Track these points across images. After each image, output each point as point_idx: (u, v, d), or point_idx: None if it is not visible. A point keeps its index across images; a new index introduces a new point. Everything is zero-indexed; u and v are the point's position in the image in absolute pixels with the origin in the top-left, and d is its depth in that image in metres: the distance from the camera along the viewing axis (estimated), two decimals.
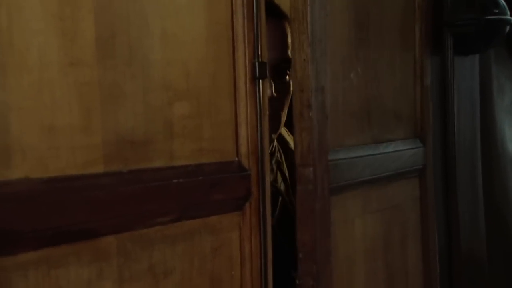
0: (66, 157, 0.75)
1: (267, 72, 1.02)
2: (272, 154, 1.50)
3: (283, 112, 1.42)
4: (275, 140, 1.53)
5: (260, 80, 1.01)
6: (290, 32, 1.14)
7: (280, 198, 1.48)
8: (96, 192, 0.77)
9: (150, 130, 0.86)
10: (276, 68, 1.33)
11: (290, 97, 1.40)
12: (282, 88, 1.36)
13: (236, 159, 1.00)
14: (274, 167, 1.51)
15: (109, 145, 0.80)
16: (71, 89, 0.75)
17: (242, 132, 1.00)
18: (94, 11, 0.78)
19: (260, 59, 1.02)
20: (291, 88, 1.38)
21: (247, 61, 1.00)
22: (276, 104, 1.34)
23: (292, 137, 1.62)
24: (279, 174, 1.53)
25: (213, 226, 0.95)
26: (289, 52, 1.35)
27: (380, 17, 1.42)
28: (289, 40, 1.37)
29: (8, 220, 0.68)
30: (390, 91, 1.49)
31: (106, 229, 0.79)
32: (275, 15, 1.36)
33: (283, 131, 1.63)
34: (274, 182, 1.49)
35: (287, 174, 1.55)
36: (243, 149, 1.00)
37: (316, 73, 1.11)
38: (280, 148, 1.57)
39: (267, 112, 1.03)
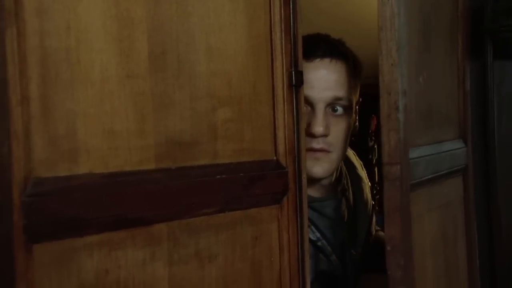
0: (124, 156, 0.89)
1: (303, 80, 1.14)
2: (339, 179, 1.61)
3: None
4: (343, 166, 1.64)
5: (297, 87, 1.13)
6: (378, 39, 1.20)
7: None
8: (149, 186, 0.91)
9: (196, 133, 0.99)
10: (330, 104, 1.46)
11: (350, 128, 1.53)
12: (336, 122, 1.48)
13: (275, 158, 1.12)
14: (340, 194, 1.60)
15: (160, 146, 0.93)
16: (127, 99, 0.89)
17: (280, 134, 1.12)
18: (147, 32, 0.92)
19: (297, 68, 1.13)
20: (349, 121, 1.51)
21: (284, 70, 1.12)
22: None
23: (360, 161, 1.72)
24: (343, 201, 1.62)
25: (253, 217, 1.08)
26: (342, 91, 1.47)
27: (437, 25, 1.49)
28: (346, 80, 1.50)
29: (76, 208, 0.82)
30: (443, 94, 1.56)
31: (158, 217, 0.93)
32: (341, 57, 1.49)
33: (351, 155, 1.72)
34: (338, 208, 1.59)
35: (351, 200, 1.64)
36: (281, 149, 1.12)
37: (401, 77, 1.19)
38: (347, 174, 1.67)
39: (303, 116, 1.14)
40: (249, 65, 1.08)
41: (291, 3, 1.12)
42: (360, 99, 1.60)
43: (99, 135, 0.86)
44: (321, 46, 1.47)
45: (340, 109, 1.47)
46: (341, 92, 1.46)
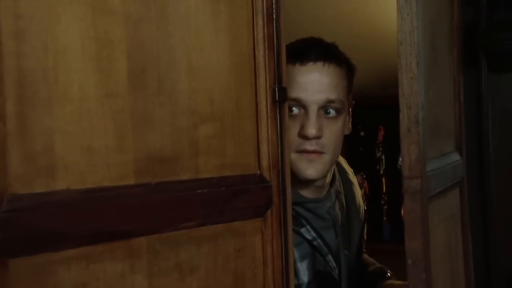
0: (102, 172, 0.91)
1: (287, 96, 1.16)
2: (332, 182, 1.65)
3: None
4: (336, 170, 1.67)
5: (280, 103, 1.15)
6: (397, 54, 1.20)
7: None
8: (128, 200, 0.94)
9: (177, 149, 1.01)
10: (322, 107, 1.50)
11: (343, 130, 1.56)
12: (329, 124, 1.51)
13: (258, 172, 1.14)
14: (333, 196, 1.64)
15: (140, 161, 0.96)
16: (106, 116, 0.92)
17: (264, 148, 1.14)
18: (127, 51, 0.95)
19: (280, 85, 1.15)
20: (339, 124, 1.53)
21: (268, 87, 1.14)
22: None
23: (351, 169, 1.76)
24: (337, 203, 1.66)
25: (236, 230, 1.10)
26: (335, 94, 1.50)
27: (440, 38, 1.51)
28: (338, 83, 1.53)
29: (54, 223, 0.85)
30: (445, 107, 1.58)
31: (137, 231, 0.95)
32: (334, 60, 1.53)
33: (342, 161, 1.75)
34: (332, 209, 1.62)
35: (344, 203, 1.68)
36: (264, 163, 1.14)
37: (420, 91, 1.20)
38: (340, 179, 1.70)
39: (287, 132, 1.16)
40: (231, 82, 1.10)
41: (274, 22, 1.14)
42: (354, 102, 1.62)
43: (77, 152, 0.89)
44: (314, 50, 1.52)
45: (332, 112, 1.50)
46: (333, 95, 1.49)
